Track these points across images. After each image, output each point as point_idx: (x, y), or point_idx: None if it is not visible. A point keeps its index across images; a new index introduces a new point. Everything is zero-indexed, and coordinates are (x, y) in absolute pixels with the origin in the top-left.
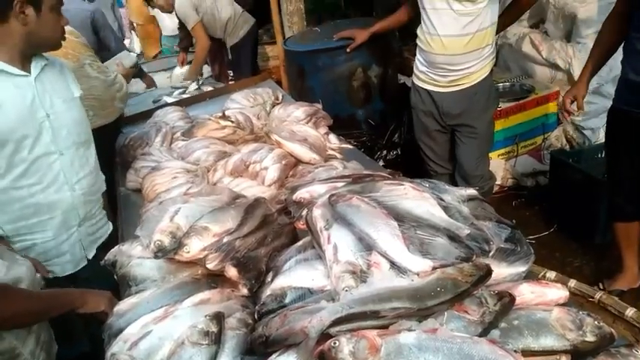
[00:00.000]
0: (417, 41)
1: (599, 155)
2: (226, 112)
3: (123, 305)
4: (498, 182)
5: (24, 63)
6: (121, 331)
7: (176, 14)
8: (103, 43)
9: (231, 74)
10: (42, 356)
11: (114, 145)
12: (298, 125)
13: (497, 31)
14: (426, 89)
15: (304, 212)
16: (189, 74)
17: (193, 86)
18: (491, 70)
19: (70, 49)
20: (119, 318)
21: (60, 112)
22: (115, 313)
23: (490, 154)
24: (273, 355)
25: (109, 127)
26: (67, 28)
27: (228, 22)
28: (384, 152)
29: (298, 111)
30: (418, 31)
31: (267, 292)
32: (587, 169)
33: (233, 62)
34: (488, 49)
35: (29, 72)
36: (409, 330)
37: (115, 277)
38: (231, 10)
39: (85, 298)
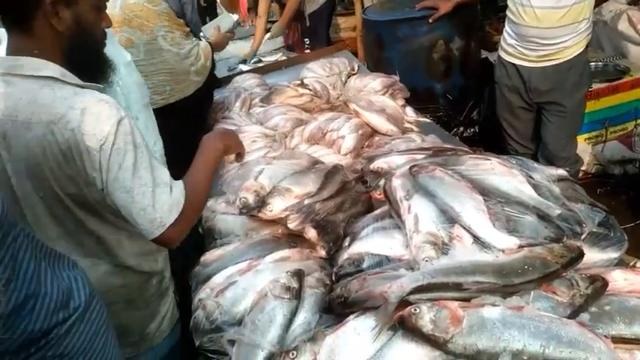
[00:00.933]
0: (507, 12)
1: None
2: (304, 81)
3: (209, 256)
4: (583, 168)
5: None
6: (207, 279)
7: None
8: (182, 10)
9: (307, 43)
10: (172, 284)
11: (201, 115)
12: (376, 96)
13: (596, 4)
14: (513, 63)
15: (382, 182)
16: (277, 29)
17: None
18: (587, 46)
19: (145, 19)
20: (205, 267)
21: (125, 77)
22: (202, 263)
23: (577, 137)
24: (352, 316)
25: (191, 99)
26: None
27: None
28: (461, 129)
29: (375, 82)
30: (509, 2)
31: (345, 256)
32: None
33: (310, 30)
34: (585, 24)
35: None
36: (493, 305)
37: (200, 229)
38: None
39: (228, 145)
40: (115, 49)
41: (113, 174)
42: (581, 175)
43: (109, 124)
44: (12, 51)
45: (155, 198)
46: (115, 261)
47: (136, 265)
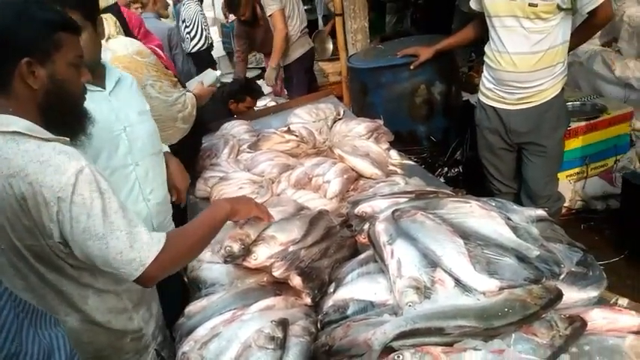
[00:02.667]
0: (485, 58)
1: None
2: (290, 127)
3: (193, 307)
4: (566, 204)
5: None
6: (191, 331)
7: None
8: (174, 60)
9: (286, 94)
10: (160, 337)
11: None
12: (360, 140)
13: (570, 49)
14: (492, 106)
15: (366, 226)
16: (270, 73)
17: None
18: (563, 88)
19: (133, 70)
20: (189, 319)
21: (135, 124)
22: (186, 315)
23: (558, 175)
24: None
25: (177, 147)
26: (135, 47)
27: (290, 38)
28: (445, 169)
29: (360, 126)
30: (486, 49)
31: (330, 302)
32: None
33: (287, 81)
34: (560, 67)
35: (104, 88)
36: (475, 349)
37: (185, 279)
38: (298, 27)
39: (236, 208)
40: (132, 97)
41: (82, 224)
42: (564, 211)
43: (67, 174)
44: None
45: (133, 238)
46: (81, 317)
47: (106, 322)
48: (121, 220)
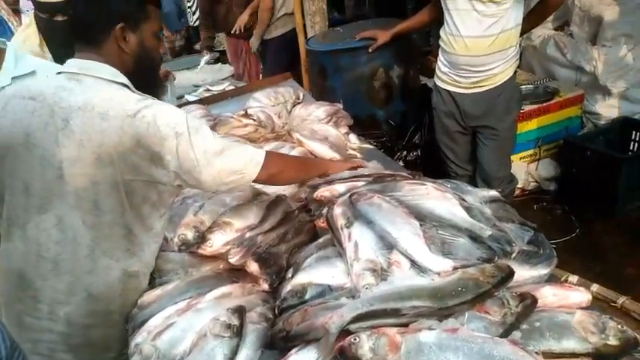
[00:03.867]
0: (440, 42)
1: (610, 136)
2: (248, 111)
3: (146, 297)
4: (520, 185)
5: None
6: (144, 322)
7: None
8: None
9: (261, 68)
10: None
11: None
12: (319, 124)
13: (522, 34)
14: (447, 90)
15: (325, 210)
16: (254, 42)
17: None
18: (515, 72)
19: None
20: (143, 309)
21: None
22: (139, 305)
23: (512, 157)
24: (293, 350)
25: None
26: None
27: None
28: (404, 153)
29: (319, 110)
30: (441, 32)
31: (288, 287)
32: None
33: (262, 57)
34: (512, 51)
35: None
36: (430, 329)
37: None
38: (281, 4)
39: (334, 166)
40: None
41: (201, 148)
42: (518, 192)
43: (177, 112)
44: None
45: (242, 146)
46: (129, 265)
47: (140, 275)
48: (225, 139)
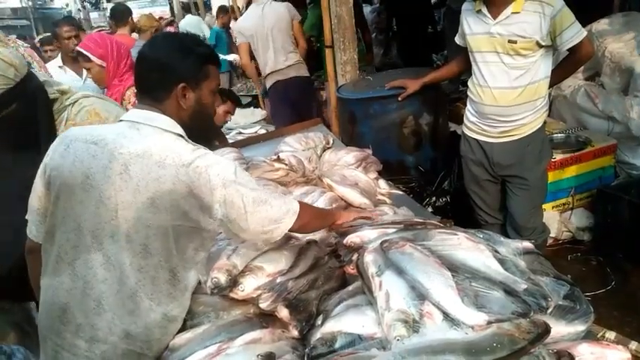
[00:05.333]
0: (468, 92)
1: None
2: (280, 155)
3: (178, 340)
4: (553, 235)
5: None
6: None
7: None
8: None
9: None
10: None
11: None
12: (349, 170)
13: (552, 85)
14: (476, 139)
15: (354, 257)
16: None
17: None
18: (544, 123)
19: None
20: (174, 352)
21: None
22: (170, 347)
23: (544, 206)
24: None
25: None
26: None
27: (265, 69)
28: (433, 199)
29: (349, 156)
30: (469, 83)
31: (317, 335)
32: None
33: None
34: (541, 102)
35: None
36: None
37: None
38: (274, 61)
39: (340, 216)
40: None
41: (248, 198)
42: (552, 242)
43: (228, 164)
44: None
45: (281, 197)
46: (170, 309)
47: (176, 319)
48: (266, 189)
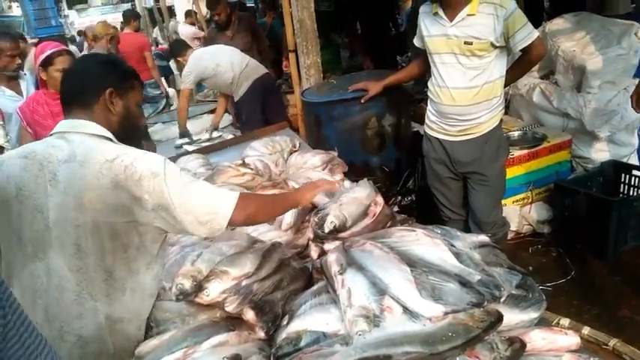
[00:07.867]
0: (428, 93)
1: (600, 178)
2: (246, 160)
3: (143, 347)
4: (514, 228)
5: None
6: None
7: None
8: None
9: (238, 126)
10: None
11: None
12: (315, 172)
13: (507, 84)
14: (437, 138)
15: (318, 259)
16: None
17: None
18: (501, 121)
19: None
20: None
21: None
22: (136, 355)
23: (504, 201)
24: None
25: None
26: None
27: (232, 83)
28: (399, 198)
29: (315, 158)
30: (429, 84)
31: (283, 335)
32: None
33: (238, 116)
34: (497, 101)
35: None
36: None
37: None
38: (231, 74)
39: (302, 196)
40: None
41: (175, 187)
42: (512, 235)
43: (157, 160)
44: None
45: (217, 188)
46: (112, 310)
47: (124, 320)
48: (201, 181)
